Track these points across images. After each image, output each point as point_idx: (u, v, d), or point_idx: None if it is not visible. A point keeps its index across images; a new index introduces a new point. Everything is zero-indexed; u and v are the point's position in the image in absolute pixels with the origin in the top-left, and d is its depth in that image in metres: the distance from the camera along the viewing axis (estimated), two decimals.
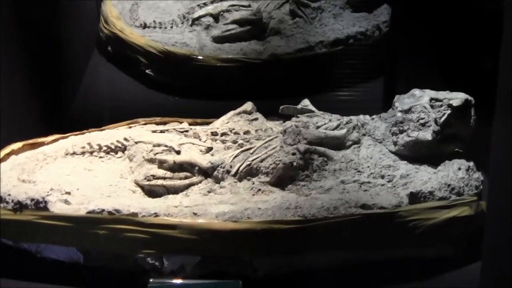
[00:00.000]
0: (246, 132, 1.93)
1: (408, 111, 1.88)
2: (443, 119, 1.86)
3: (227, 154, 1.86)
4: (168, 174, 1.82)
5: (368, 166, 1.86)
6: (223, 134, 1.92)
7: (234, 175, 1.82)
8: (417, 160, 1.87)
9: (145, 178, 1.82)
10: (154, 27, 2.60)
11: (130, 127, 2.05)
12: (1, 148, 1.90)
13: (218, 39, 2.53)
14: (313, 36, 2.54)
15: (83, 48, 2.64)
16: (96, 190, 1.79)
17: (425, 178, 1.82)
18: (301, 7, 2.63)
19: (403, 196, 1.77)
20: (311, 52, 2.49)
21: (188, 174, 1.83)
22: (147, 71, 2.51)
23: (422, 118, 1.85)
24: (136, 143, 1.90)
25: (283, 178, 1.83)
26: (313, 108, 2.01)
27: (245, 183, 1.82)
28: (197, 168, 1.82)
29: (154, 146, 1.87)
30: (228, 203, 1.75)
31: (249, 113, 2.04)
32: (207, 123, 2.05)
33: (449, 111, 1.86)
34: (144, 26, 2.60)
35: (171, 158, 1.83)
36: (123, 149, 1.93)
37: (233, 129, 1.94)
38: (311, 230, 1.69)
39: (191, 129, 1.96)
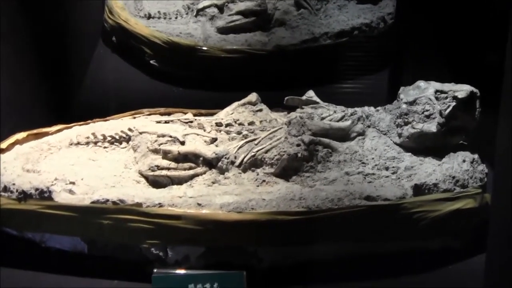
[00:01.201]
0: (251, 123, 1.93)
1: (413, 103, 1.88)
2: (448, 111, 1.85)
3: (232, 145, 1.86)
4: (173, 164, 1.82)
5: (373, 158, 1.86)
6: (227, 125, 1.92)
7: (239, 166, 1.82)
8: (421, 152, 1.87)
9: (149, 169, 1.82)
10: (159, 18, 2.60)
11: (135, 118, 2.05)
12: (6, 137, 1.90)
13: (222, 30, 2.53)
14: (318, 27, 2.53)
15: (88, 39, 2.64)
16: (101, 180, 1.80)
17: (430, 170, 1.82)
18: None
19: (408, 188, 1.77)
20: (316, 43, 2.48)
21: (193, 164, 1.83)
22: (151, 61, 2.51)
23: (427, 110, 1.85)
24: (141, 133, 1.91)
25: (288, 169, 1.83)
26: (318, 100, 2.01)
27: (250, 174, 1.82)
28: (201, 158, 1.82)
29: (158, 136, 1.87)
30: (232, 194, 1.75)
31: (254, 104, 2.03)
32: (212, 114, 2.05)
33: (454, 103, 1.86)
34: (149, 16, 2.60)
35: (175, 148, 1.83)
36: (128, 139, 1.93)
37: (238, 120, 1.94)
38: (315, 222, 1.69)
39: (195, 119, 1.96)
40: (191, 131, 1.90)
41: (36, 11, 2.13)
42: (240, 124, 1.93)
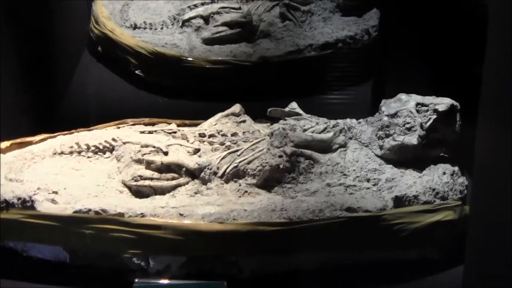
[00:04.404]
0: (234, 134, 1.94)
1: (394, 115, 1.89)
2: (428, 123, 1.87)
3: (214, 156, 1.87)
4: (156, 175, 1.83)
5: (354, 170, 1.88)
6: (210, 136, 1.93)
7: (221, 177, 1.83)
8: (402, 164, 1.89)
9: (132, 179, 1.82)
10: (145, 28, 2.60)
11: (119, 128, 2.05)
12: None
13: (208, 41, 2.54)
14: (303, 39, 2.55)
15: (73, 48, 2.64)
16: (83, 190, 1.80)
17: (410, 182, 1.84)
18: (291, 10, 2.64)
19: (388, 199, 1.78)
20: (300, 55, 2.50)
21: (175, 175, 1.83)
22: (136, 71, 2.51)
23: (408, 123, 1.87)
24: (124, 143, 1.91)
25: (270, 180, 1.84)
26: (301, 111, 2.02)
27: (232, 185, 1.83)
28: (184, 169, 1.83)
29: (142, 146, 1.88)
30: (214, 205, 1.76)
31: (237, 115, 2.05)
32: (195, 125, 2.06)
33: (434, 116, 1.88)
34: (135, 26, 2.60)
35: (158, 159, 1.84)
36: (111, 149, 1.94)
37: (221, 131, 1.95)
38: (296, 232, 1.70)
39: (179, 130, 1.97)
40: (174, 141, 1.91)
41: (21, 19, 2.13)
42: (223, 135, 1.94)
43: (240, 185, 1.83)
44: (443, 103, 1.89)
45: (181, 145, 1.89)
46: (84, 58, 2.67)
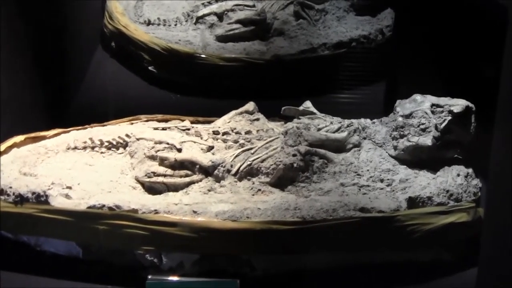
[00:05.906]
0: (248, 132, 1.94)
1: (409, 116, 1.89)
2: (443, 125, 1.87)
3: (228, 154, 1.87)
4: (169, 171, 1.83)
5: (368, 170, 1.87)
6: (224, 133, 1.93)
7: (235, 175, 1.83)
8: (416, 165, 1.89)
9: (145, 175, 1.82)
10: (158, 24, 2.61)
11: (132, 124, 2.05)
12: (3, 140, 1.91)
13: (221, 38, 2.54)
14: (316, 38, 2.55)
15: (87, 43, 2.65)
16: (97, 186, 1.80)
17: (424, 183, 1.83)
18: (306, 9, 2.64)
19: (402, 200, 1.78)
20: (314, 54, 2.50)
21: (189, 172, 1.83)
22: (150, 67, 2.52)
23: (422, 124, 1.87)
24: (138, 139, 1.91)
25: (283, 179, 1.84)
26: (315, 110, 2.02)
27: (245, 183, 1.83)
28: (198, 166, 1.83)
29: (155, 143, 1.88)
30: (228, 202, 1.76)
31: (251, 113, 2.04)
32: (209, 122, 2.06)
33: (449, 117, 1.87)
34: (148, 23, 2.61)
35: (172, 155, 1.84)
36: (125, 145, 1.94)
37: (235, 128, 1.95)
38: (309, 232, 1.70)
39: (192, 127, 1.97)
40: (188, 138, 1.91)
41: (36, 15, 2.14)
42: (237, 132, 1.94)
43: (253, 183, 1.83)
44: (458, 104, 1.88)
45: (194, 142, 1.89)
46: (98, 54, 2.67)
